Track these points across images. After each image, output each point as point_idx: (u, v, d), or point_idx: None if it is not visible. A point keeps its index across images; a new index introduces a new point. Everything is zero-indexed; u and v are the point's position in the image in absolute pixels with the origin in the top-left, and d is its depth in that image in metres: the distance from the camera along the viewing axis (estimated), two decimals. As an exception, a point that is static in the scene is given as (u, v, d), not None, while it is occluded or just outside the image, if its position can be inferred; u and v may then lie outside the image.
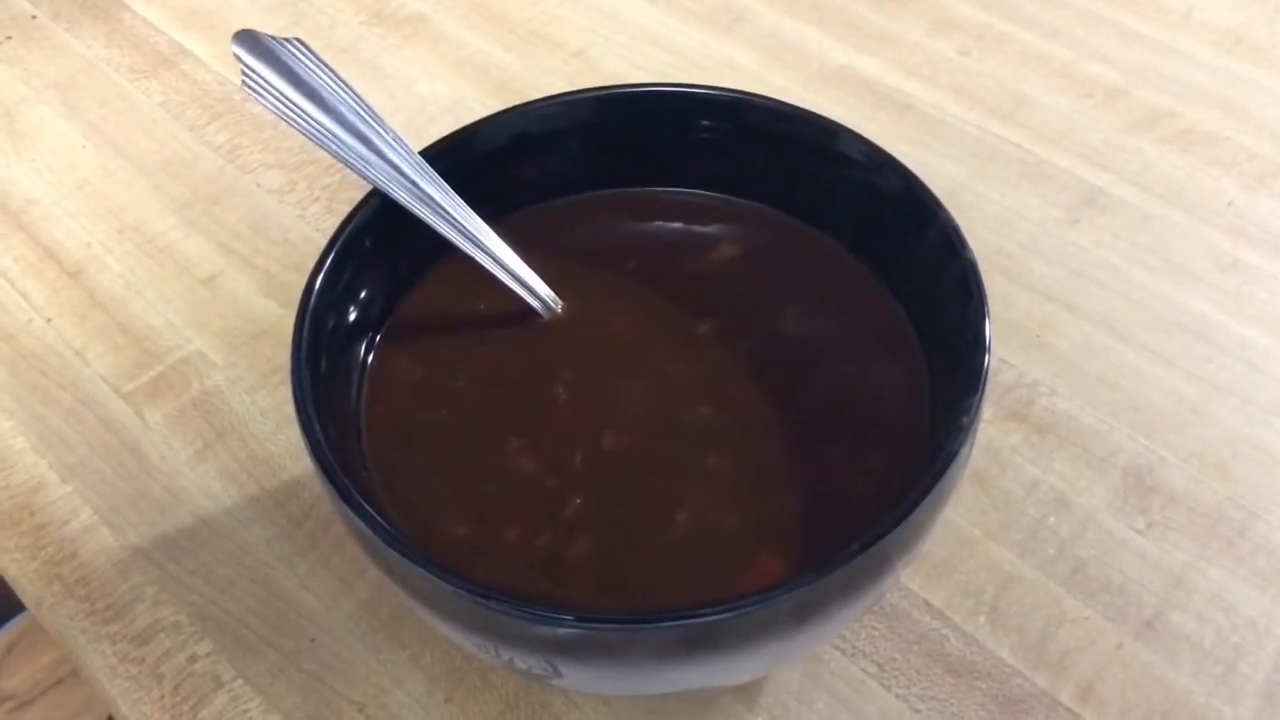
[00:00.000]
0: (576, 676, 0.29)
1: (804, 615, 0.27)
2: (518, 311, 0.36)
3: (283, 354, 0.46)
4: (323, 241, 0.49)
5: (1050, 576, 0.38)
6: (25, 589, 0.40)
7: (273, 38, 0.36)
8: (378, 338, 0.36)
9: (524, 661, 0.28)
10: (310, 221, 0.51)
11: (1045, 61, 0.56)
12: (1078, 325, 0.45)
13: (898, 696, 0.36)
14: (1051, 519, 0.40)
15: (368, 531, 0.27)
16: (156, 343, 0.46)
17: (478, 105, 0.55)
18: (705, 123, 0.37)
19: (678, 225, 0.39)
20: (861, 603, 0.29)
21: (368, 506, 0.28)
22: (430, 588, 0.27)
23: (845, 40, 0.58)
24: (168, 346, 0.46)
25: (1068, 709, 0.35)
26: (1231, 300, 0.46)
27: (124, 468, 0.42)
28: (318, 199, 0.52)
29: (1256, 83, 0.55)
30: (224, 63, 0.58)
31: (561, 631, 0.27)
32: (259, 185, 0.52)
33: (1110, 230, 0.48)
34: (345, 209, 0.51)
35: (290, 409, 0.43)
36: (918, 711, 0.35)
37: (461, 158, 0.36)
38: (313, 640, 0.38)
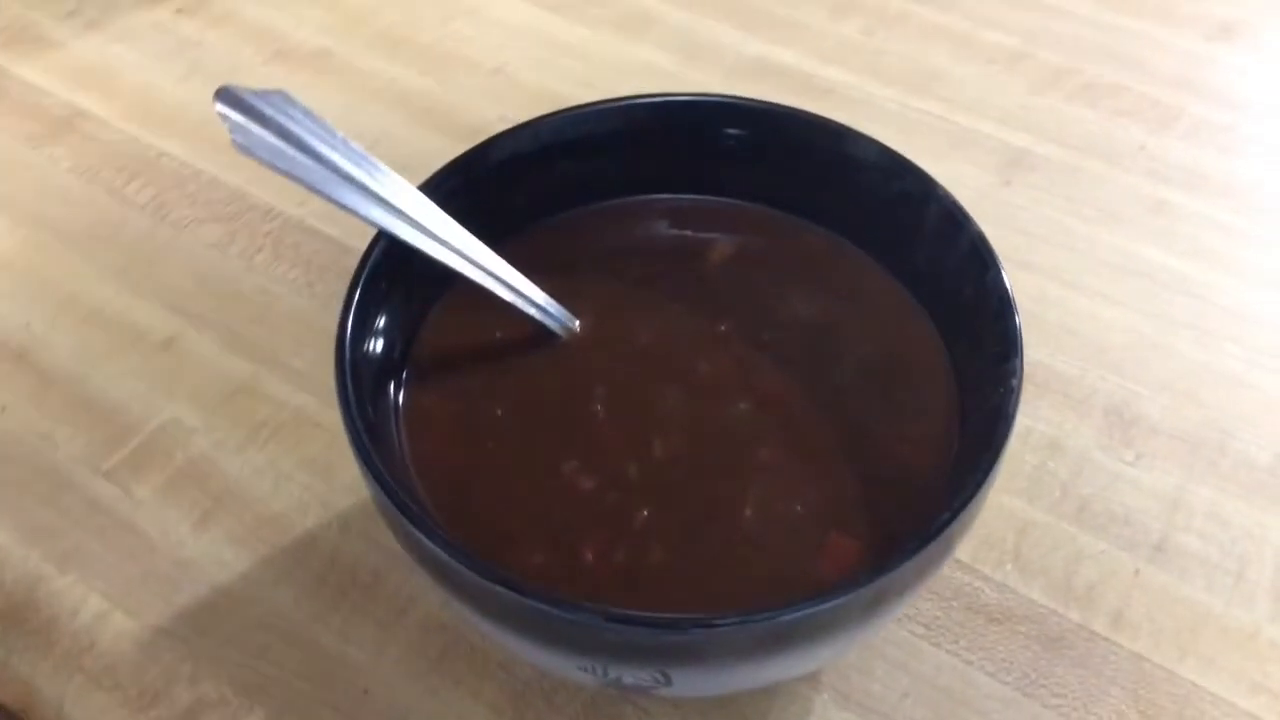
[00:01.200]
0: (686, 682, 0.29)
1: (896, 591, 0.29)
2: (533, 334, 0.36)
3: (263, 409, 0.45)
4: (279, 291, 0.49)
5: (1060, 517, 0.40)
6: (42, 688, 0.38)
7: (254, 92, 0.35)
8: (404, 377, 0.35)
9: (633, 676, 0.29)
10: (260, 271, 0.49)
11: (946, 34, 0.59)
12: (1032, 280, 0.48)
13: (949, 652, 0.37)
14: (1049, 463, 0.42)
15: (473, 576, 0.27)
16: (126, 415, 0.44)
17: (407, 133, 0.55)
18: (728, 130, 0.38)
19: (671, 231, 0.40)
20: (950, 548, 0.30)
21: (464, 550, 0.28)
22: (544, 620, 0.27)
23: (754, 32, 0.60)
24: (139, 418, 0.44)
25: (1104, 638, 0.38)
26: (1164, 238, 0.49)
27: (124, 548, 0.41)
28: (261, 248, 0.50)
29: (1144, 34, 0.58)
30: (128, 119, 0.56)
31: (682, 639, 0.27)
32: (196, 240, 0.51)
33: (1042, 188, 0.51)
34: (293, 254, 0.50)
35: (287, 464, 0.43)
36: (969, 663, 0.37)
37: (456, 187, 0.36)
38: (366, 691, 0.37)
